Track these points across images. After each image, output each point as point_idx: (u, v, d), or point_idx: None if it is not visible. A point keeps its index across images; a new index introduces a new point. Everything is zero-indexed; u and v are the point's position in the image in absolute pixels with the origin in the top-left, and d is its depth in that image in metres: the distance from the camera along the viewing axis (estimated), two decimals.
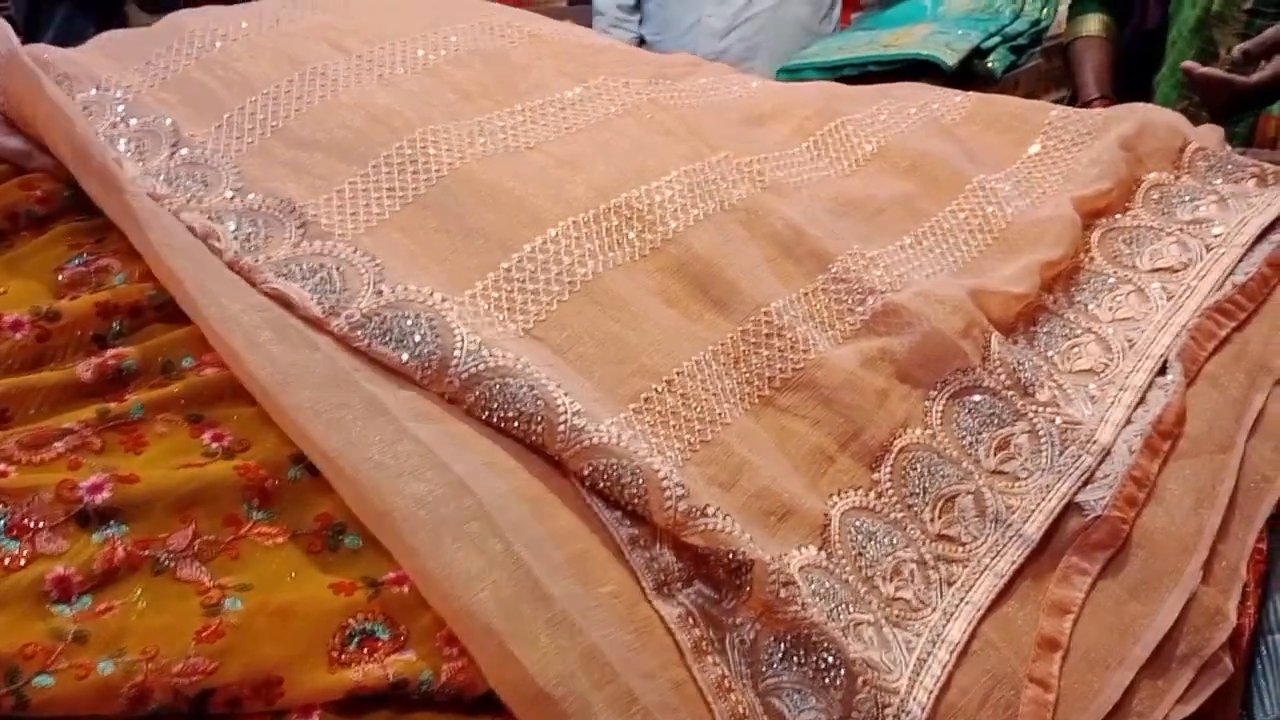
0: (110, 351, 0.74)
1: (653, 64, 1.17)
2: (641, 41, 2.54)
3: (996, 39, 2.00)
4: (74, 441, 0.68)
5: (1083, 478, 0.81)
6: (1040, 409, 0.84)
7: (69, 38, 1.61)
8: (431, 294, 0.76)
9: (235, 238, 0.80)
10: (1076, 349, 0.91)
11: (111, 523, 0.63)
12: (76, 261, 0.82)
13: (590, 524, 0.69)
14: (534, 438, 0.71)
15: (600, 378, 0.76)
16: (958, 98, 1.18)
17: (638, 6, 2.62)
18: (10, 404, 0.70)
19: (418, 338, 0.74)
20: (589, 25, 2.74)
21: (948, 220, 0.99)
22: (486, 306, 0.78)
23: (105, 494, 0.64)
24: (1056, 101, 2.03)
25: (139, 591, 0.61)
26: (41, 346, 0.74)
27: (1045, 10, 2.06)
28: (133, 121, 0.93)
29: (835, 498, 0.77)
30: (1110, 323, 0.92)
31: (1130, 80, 1.79)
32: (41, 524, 0.62)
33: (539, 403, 0.70)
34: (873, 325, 0.87)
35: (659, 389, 0.76)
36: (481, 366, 0.72)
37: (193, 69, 0.98)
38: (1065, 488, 0.80)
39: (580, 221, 0.85)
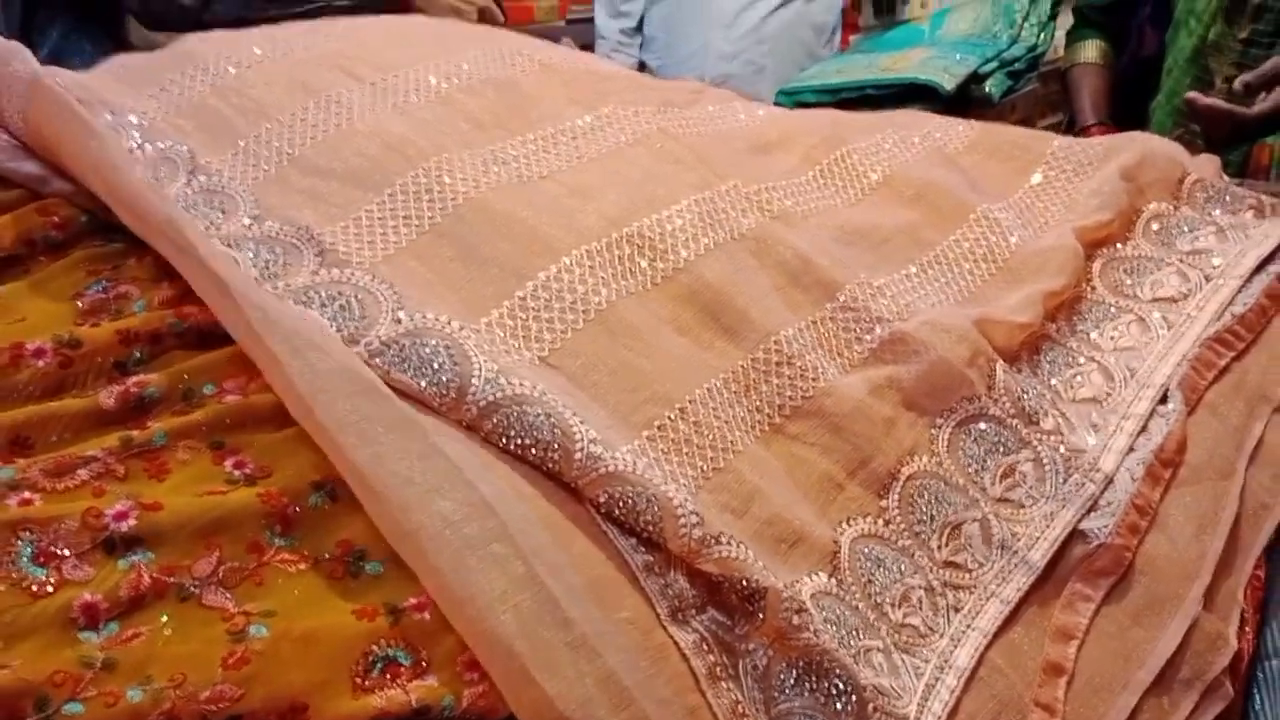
0: (132, 379, 0.75)
1: (660, 91, 1.19)
2: (642, 66, 2.56)
3: (994, 64, 2.03)
4: (98, 469, 0.69)
5: (1086, 505, 0.82)
6: (1044, 437, 0.86)
7: (66, 55, 1.61)
8: (449, 322, 0.78)
9: (254, 265, 0.81)
10: (1079, 377, 0.92)
11: (137, 550, 0.64)
12: (96, 288, 0.83)
13: (606, 550, 0.70)
14: (550, 465, 0.72)
15: (614, 405, 0.77)
16: (960, 126, 1.20)
17: (639, 30, 2.64)
18: (33, 432, 0.71)
19: (436, 365, 0.75)
20: (588, 43, 2.76)
21: (952, 249, 1.01)
22: (503, 334, 0.79)
23: (131, 521, 0.65)
24: (1052, 125, 2.06)
25: (165, 618, 0.62)
26: (63, 374, 0.75)
27: (1042, 36, 2.09)
28: (149, 148, 0.93)
29: (844, 525, 0.78)
30: (1112, 352, 0.94)
31: (1126, 106, 1.82)
32: (68, 551, 0.63)
33: (555, 430, 0.72)
34: (880, 354, 0.88)
35: (672, 416, 0.78)
36: (499, 394, 0.73)
37: (207, 95, 0.99)
38: (1069, 515, 0.82)
39: (593, 250, 0.87)
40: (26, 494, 0.67)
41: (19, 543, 0.63)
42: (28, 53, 0.97)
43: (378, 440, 0.69)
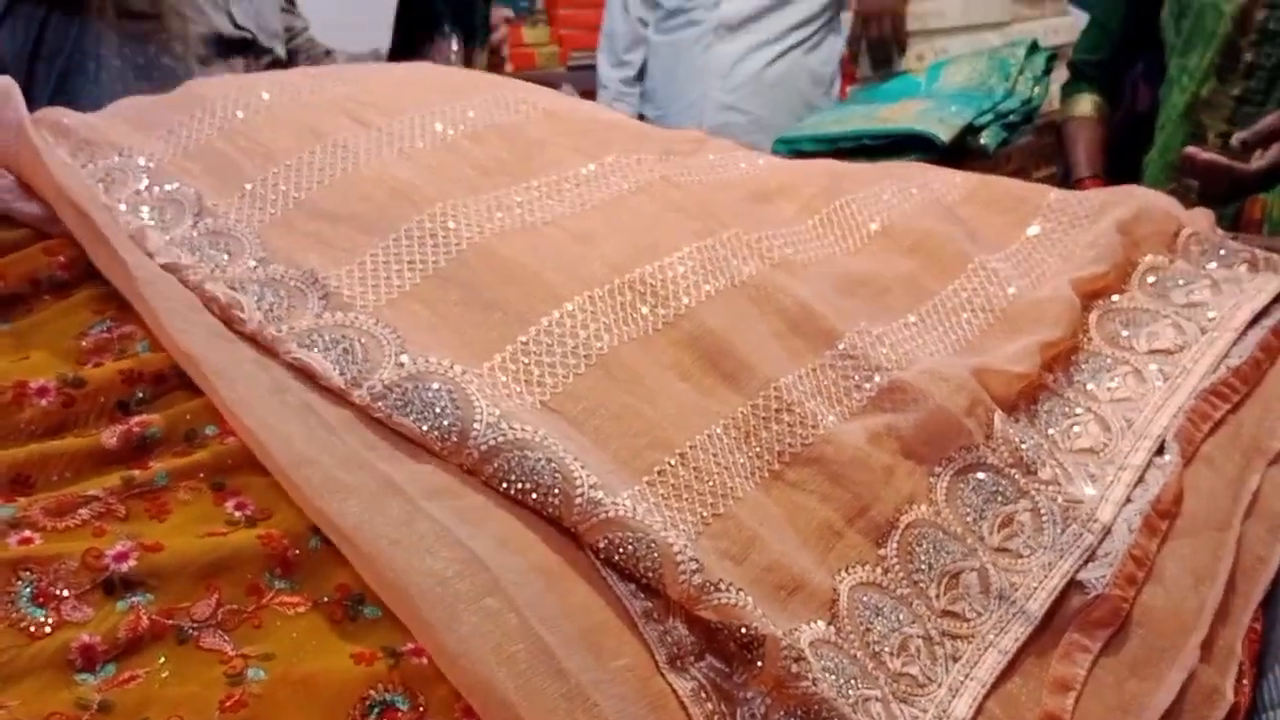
0: (134, 419, 0.75)
1: (662, 140, 1.20)
2: (641, 117, 2.59)
3: (989, 116, 2.05)
4: (99, 509, 0.69)
5: (1084, 556, 0.82)
6: (1042, 487, 0.86)
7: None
8: (452, 366, 0.78)
9: (259, 308, 0.82)
10: (1076, 428, 0.93)
11: (137, 591, 0.64)
12: (99, 328, 0.84)
13: (605, 596, 0.70)
14: (551, 510, 0.72)
15: (616, 450, 0.78)
16: (958, 178, 1.21)
17: (640, 79, 2.67)
18: (35, 470, 0.71)
19: (438, 409, 0.75)
20: (589, 90, 2.79)
21: (951, 299, 1.02)
22: (505, 379, 0.80)
23: (131, 562, 0.65)
24: (1047, 177, 2.08)
25: (162, 660, 0.62)
26: (66, 413, 0.75)
27: (1037, 89, 2.11)
28: (156, 190, 0.94)
29: (843, 573, 0.78)
30: (1109, 402, 0.95)
31: (1120, 160, 1.84)
32: (68, 592, 0.63)
33: (556, 475, 0.72)
34: (879, 402, 0.89)
35: (673, 462, 0.78)
36: (501, 439, 0.73)
37: (215, 138, 1.00)
38: (1067, 565, 0.82)
39: (596, 296, 0.87)
40: (27, 533, 0.67)
41: (19, 582, 0.63)
42: (18, 95, 0.97)
43: (361, 507, 0.69)
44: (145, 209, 0.92)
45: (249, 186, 0.95)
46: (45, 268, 0.88)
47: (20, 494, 0.70)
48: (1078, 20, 2.25)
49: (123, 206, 0.92)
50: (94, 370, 0.78)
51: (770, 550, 0.76)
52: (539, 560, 0.70)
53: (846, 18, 2.49)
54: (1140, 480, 0.88)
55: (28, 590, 0.63)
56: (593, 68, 2.86)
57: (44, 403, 0.75)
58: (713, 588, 0.69)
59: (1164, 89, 1.75)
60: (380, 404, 0.75)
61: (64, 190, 0.87)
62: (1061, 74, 2.09)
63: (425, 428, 0.74)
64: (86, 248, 0.86)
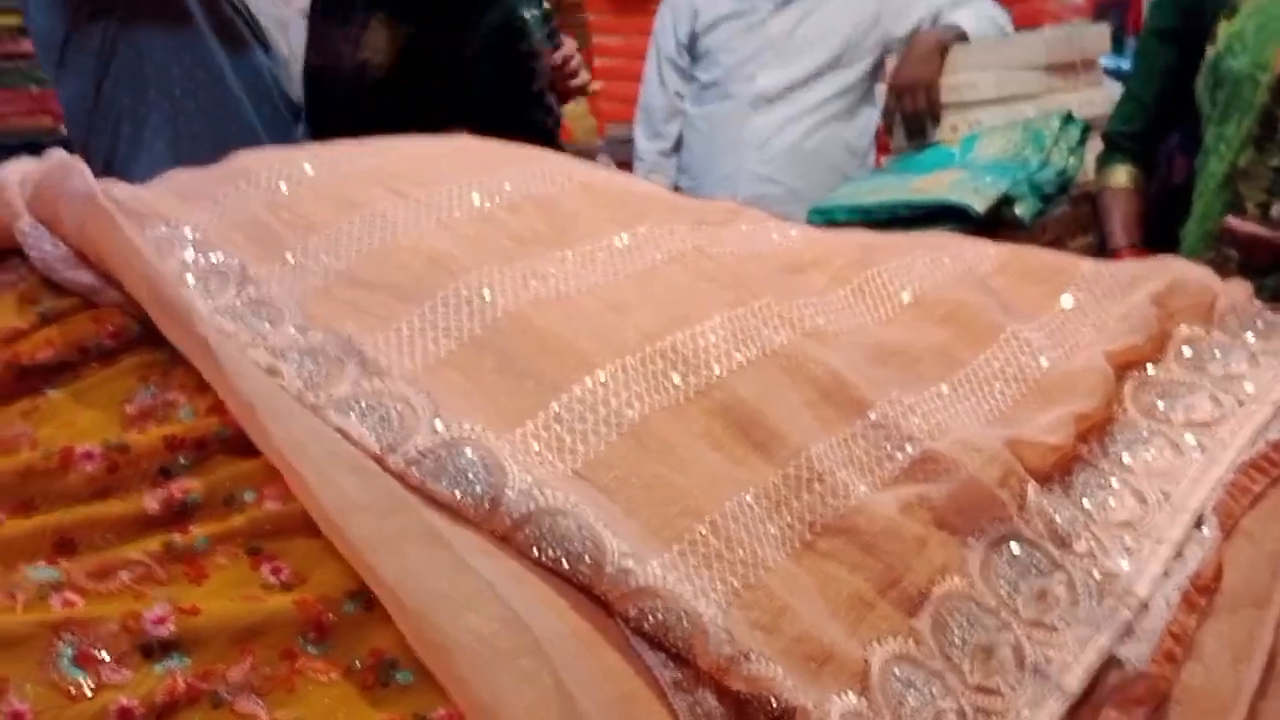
0: (176, 484, 0.77)
1: (695, 211, 1.22)
2: (676, 189, 2.62)
3: (1024, 186, 2.06)
4: (139, 572, 0.70)
5: (1121, 631, 0.82)
6: (1078, 560, 0.86)
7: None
8: (485, 432, 0.79)
9: (299, 375, 0.83)
10: (1112, 500, 0.92)
11: (174, 654, 0.65)
12: (145, 394, 0.86)
13: (635, 665, 0.71)
14: (581, 577, 0.72)
15: (646, 518, 0.78)
16: (991, 249, 1.22)
17: (676, 150, 2.71)
18: (78, 534, 0.73)
19: (471, 476, 0.76)
20: (626, 161, 2.83)
21: (983, 369, 1.02)
22: (537, 446, 0.81)
23: (169, 625, 0.66)
24: (1084, 247, 2.08)
25: None
26: (110, 478, 0.77)
27: (1072, 160, 2.12)
28: (201, 260, 0.97)
29: (875, 644, 0.78)
30: (1145, 475, 0.94)
31: (1157, 230, 1.84)
32: (107, 654, 0.64)
33: (587, 543, 0.72)
34: (911, 472, 0.89)
35: (704, 531, 0.78)
36: (532, 505, 0.74)
37: (260, 210, 1.03)
38: (1104, 641, 0.81)
39: (628, 365, 0.88)
40: (69, 595, 0.68)
41: (60, 644, 0.65)
42: (85, 168, 1.01)
43: (408, 558, 0.70)
44: (190, 278, 0.95)
45: (290, 256, 0.97)
46: (93, 335, 0.91)
47: (64, 557, 0.72)
48: (1112, 92, 2.26)
49: (173, 277, 0.94)
50: (138, 436, 0.80)
51: (801, 620, 0.76)
52: (573, 624, 0.70)
53: (881, 90, 2.51)
54: (1178, 555, 0.87)
55: (69, 652, 0.64)
56: (630, 140, 2.90)
57: (89, 467, 0.77)
58: (743, 658, 0.69)
59: (1200, 158, 1.76)
60: (414, 469, 0.76)
61: (133, 254, 0.90)
62: (1096, 145, 2.10)
63: (458, 494, 0.75)
64: (146, 307, 0.89)
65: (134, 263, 0.91)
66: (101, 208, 0.95)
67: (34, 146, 3.13)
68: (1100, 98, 2.33)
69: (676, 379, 0.88)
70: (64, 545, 0.72)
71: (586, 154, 3.07)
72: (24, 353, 0.88)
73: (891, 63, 2.44)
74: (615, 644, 0.71)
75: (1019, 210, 2.03)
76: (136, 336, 0.91)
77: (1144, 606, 0.83)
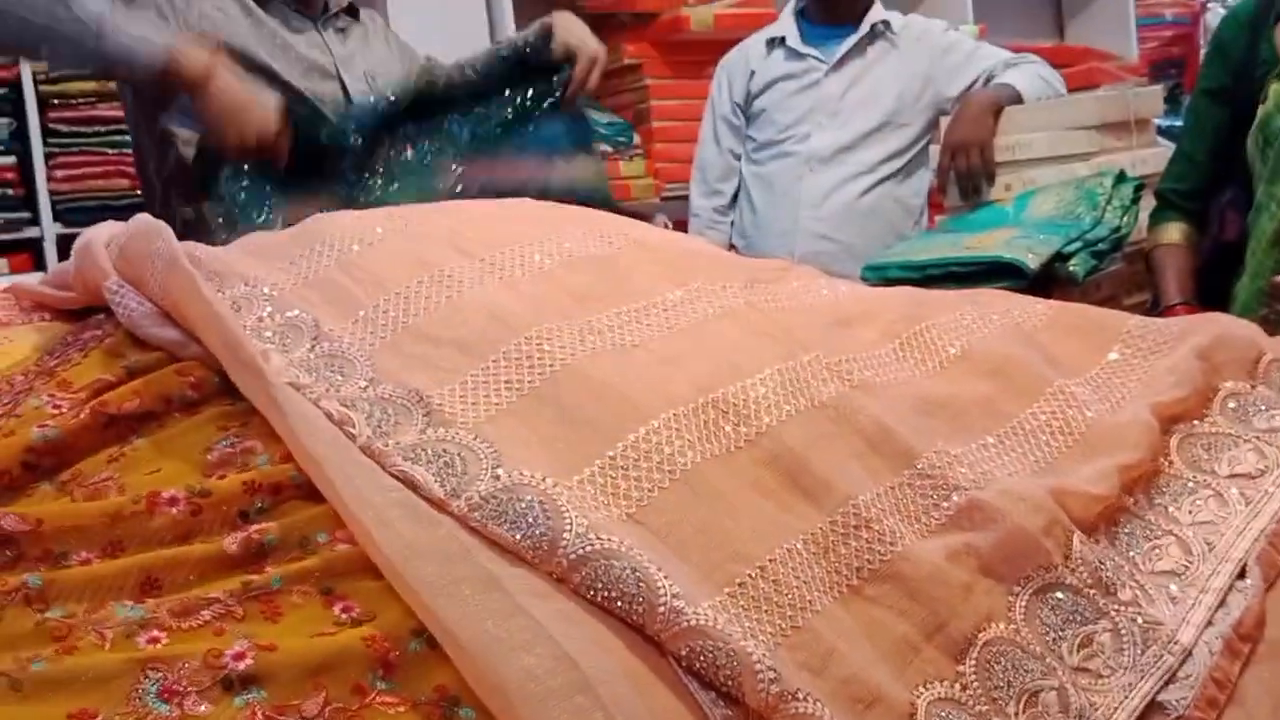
0: (254, 527, 0.81)
1: (746, 269, 1.26)
2: (731, 248, 2.66)
3: (1078, 244, 2.06)
4: (219, 610, 0.75)
5: (1165, 677, 0.83)
6: (1122, 608, 0.87)
7: None
8: (544, 479, 0.83)
9: (368, 424, 0.88)
10: (1157, 550, 0.94)
11: (252, 688, 0.69)
12: (224, 443, 0.91)
13: (686, 703, 0.73)
14: (635, 617, 0.76)
15: (697, 562, 0.81)
16: (1039, 305, 1.24)
17: (731, 207, 2.75)
18: (164, 574, 0.78)
19: (530, 519, 0.80)
20: (682, 219, 2.88)
21: (1029, 422, 1.04)
22: (593, 491, 0.84)
23: (248, 661, 0.70)
24: (1138, 304, 2.08)
25: None
26: (193, 521, 0.82)
27: (1126, 218, 2.12)
28: (278, 317, 1.03)
29: (921, 688, 0.80)
30: (1190, 525, 0.96)
31: (1210, 287, 1.84)
32: (191, 689, 0.68)
33: (640, 584, 0.76)
34: (957, 520, 0.91)
35: (753, 575, 0.81)
36: (588, 548, 0.78)
37: (333, 270, 1.09)
38: (1148, 686, 0.82)
39: (680, 414, 0.92)
40: (155, 633, 0.73)
41: (146, 680, 0.69)
42: (169, 231, 1.08)
43: (465, 601, 0.74)
44: (268, 333, 1.00)
45: (362, 313, 1.03)
46: (177, 387, 0.96)
47: (150, 595, 0.77)
48: (1165, 150, 2.27)
49: (249, 331, 1.00)
50: (219, 482, 0.85)
51: (848, 663, 0.78)
52: (625, 663, 0.73)
53: (935, 149, 2.54)
54: (1222, 603, 0.88)
55: (154, 687, 0.69)
56: (686, 198, 2.95)
57: (174, 511, 0.82)
58: (790, 697, 0.72)
59: (1252, 215, 1.76)
60: (477, 514, 0.80)
61: (212, 314, 0.96)
62: (1150, 202, 2.11)
63: (518, 536, 0.79)
64: (224, 363, 0.94)
65: (213, 322, 0.97)
66: (184, 269, 1.01)
67: (109, 208, 3.24)
68: (1154, 156, 2.34)
69: (728, 428, 0.92)
70: (150, 585, 0.77)
71: (644, 213, 3.13)
72: (111, 403, 0.93)
73: (945, 122, 2.48)
74: (667, 682, 0.74)
75: (1072, 267, 2.04)
76: (216, 388, 0.97)
77: (1187, 654, 0.84)
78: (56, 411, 0.92)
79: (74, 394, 0.95)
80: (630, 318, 1.05)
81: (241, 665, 0.70)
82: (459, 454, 0.86)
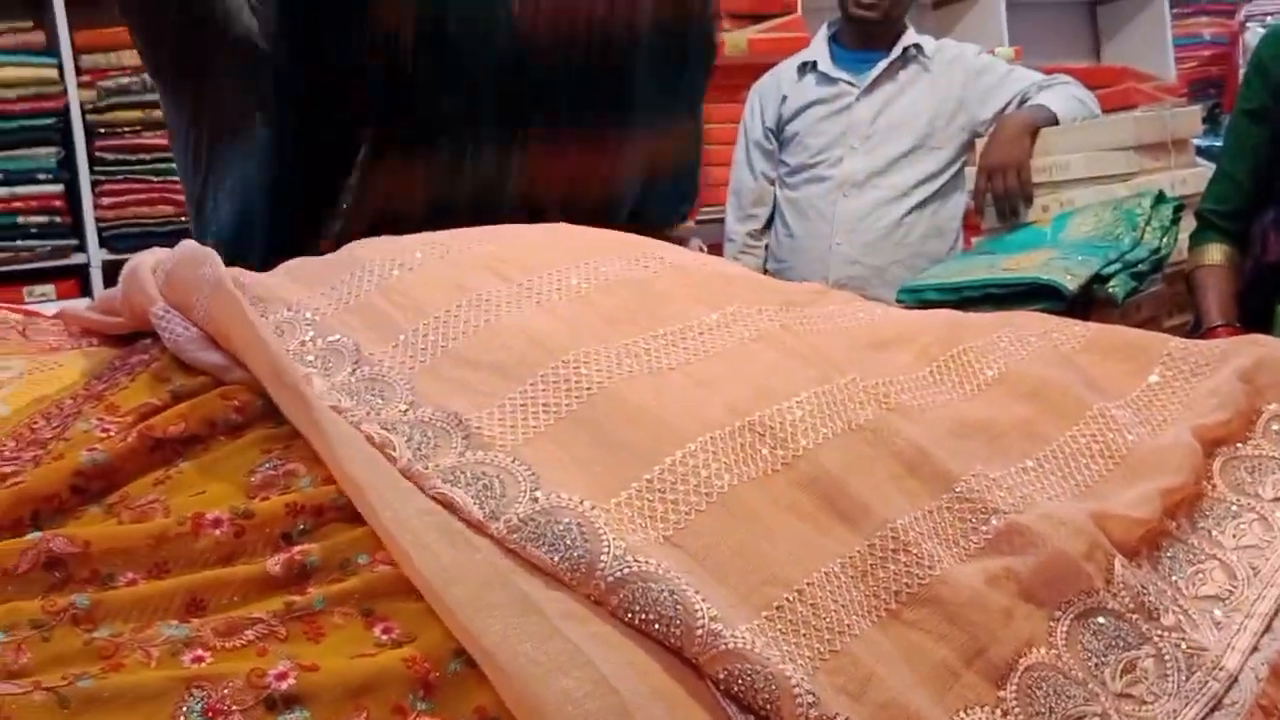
0: (296, 548, 0.82)
1: (782, 292, 1.26)
2: (765, 271, 2.67)
3: (1117, 265, 2.06)
4: (262, 630, 0.76)
5: (1210, 704, 0.82)
6: (1166, 633, 0.86)
7: None
8: (582, 502, 0.83)
9: (408, 447, 0.89)
10: (1201, 575, 0.93)
11: (295, 708, 0.70)
12: (267, 466, 0.92)
13: None
14: (673, 640, 0.76)
15: (735, 584, 0.81)
16: (1077, 327, 1.23)
17: (765, 231, 2.76)
18: (208, 594, 0.79)
19: (568, 542, 0.80)
20: (717, 243, 2.89)
21: (1069, 445, 1.03)
22: (630, 514, 0.85)
23: (290, 681, 0.71)
24: (1179, 325, 2.07)
25: None
26: (237, 542, 0.83)
27: (1165, 239, 2.12)
28: (320, 341, 1.04)
29: (961, 714, 0.79)
30: (1234, 549, 0.94)
31: (1251, 309, 1.83)
32: (234, 708, 0.69)
33: (678, 607, 0.76)
34: (996, 544, 0.91)
35: (790, 598, 0.81)
36: (626, 571, 0.78)
37: (373, 295, 1.10)
38: (1193, 713, 0.81)
39: (717, 437, 0.92)
40: (199, 652, 0.74)
41: (190, 698, 0.70)
42: (216, 257, 1.10)
43: (504, 624, 0.75)
44: (310, 357, 1.02)
45: (401, 337, 1.04)
46: (221, 411, 0.98)
47: (194, 615, 0.78)
48: (1205, 171, 2.26)
49: (292, 355, 1.01)
50: (262, 504, 0.86)
51: (887, 687, 0.78)
52: (662, 686, 0.73)
53: (970, 172, 2.54)
54: (1268, 629, 0.87)
55: (199, 705, 0.70)
56: (722, 221, 2.97)
57: (218, 533, 0.83)
58: None
59: None
60: (515, 536, 0.81)
61: (256, 331, 0.97)
62: (1190, 223, 2.10)
63: (556, 559, 0.79)
64: (267, 386, 0.96)
65: (257, 346, 0.98)
66: (229, 293, 1.03)
67: (154, 234, 3.29)
68: (1194, 176, 2.33)
69: (764, 451, 0.92)
70: (194, 605, 0.78)
71: (680, 237, 3.14)
72: (158, 427, 0.95)
73: (980, 145, 2.47)
74: (705, 705, 0.74)
75: (1112, 288, 2.03)
76: (260, 412, 0.98)
77: (1233, 680, 0.83)
78: (104, 435, 0.94)
79: (121, 418, 0.97)
80: (666, 341, 1.06)
81: (284, 685, 0.71)
82: (498, 476, 0.86)
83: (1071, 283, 1.99)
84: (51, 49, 3.29)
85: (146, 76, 2.94)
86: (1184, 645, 0.85)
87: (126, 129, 3.34)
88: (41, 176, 3.24)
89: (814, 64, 2.72)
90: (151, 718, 0.69)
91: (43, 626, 0.74)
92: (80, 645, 0.74)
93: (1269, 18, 4.19)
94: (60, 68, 3.26)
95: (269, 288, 1.13)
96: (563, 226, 1.33)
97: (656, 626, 0.76)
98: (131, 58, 3.14)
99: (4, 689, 0.68)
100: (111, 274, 3.20)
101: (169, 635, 0.75)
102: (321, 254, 1.25)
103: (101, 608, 0.77)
